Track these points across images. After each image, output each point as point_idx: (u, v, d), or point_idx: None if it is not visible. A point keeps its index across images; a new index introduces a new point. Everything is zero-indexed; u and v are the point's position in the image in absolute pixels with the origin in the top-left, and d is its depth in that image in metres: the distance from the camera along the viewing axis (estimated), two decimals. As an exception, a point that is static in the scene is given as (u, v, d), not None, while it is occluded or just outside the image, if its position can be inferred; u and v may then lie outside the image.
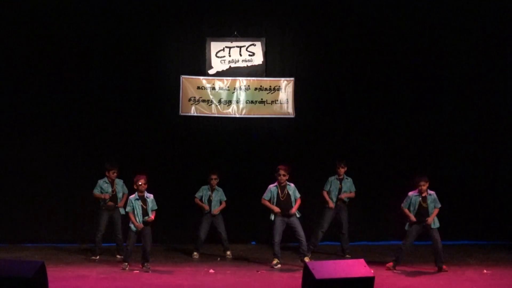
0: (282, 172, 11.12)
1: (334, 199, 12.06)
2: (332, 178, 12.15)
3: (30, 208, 13.21)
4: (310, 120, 13.58)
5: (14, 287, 8.00)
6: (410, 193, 10.73)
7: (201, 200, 12.08)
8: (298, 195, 11.25)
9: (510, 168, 13.63)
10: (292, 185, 11.28)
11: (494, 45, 13.61)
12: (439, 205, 10.68)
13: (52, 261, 10.98)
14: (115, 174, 11.90)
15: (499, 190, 13.59)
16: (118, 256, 11.63)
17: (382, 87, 13.58)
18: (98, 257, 11.69)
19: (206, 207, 11.97)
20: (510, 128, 13.62)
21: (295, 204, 11.15)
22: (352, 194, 12.19)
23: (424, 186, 10.52)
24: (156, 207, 10.88)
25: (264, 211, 13.17)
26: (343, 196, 12.06)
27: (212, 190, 12.06)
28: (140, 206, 10.72)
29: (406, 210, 10.69)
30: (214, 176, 12.05)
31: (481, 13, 13.55)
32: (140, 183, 10.71)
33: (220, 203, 12.08)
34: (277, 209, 11.07)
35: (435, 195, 10.67)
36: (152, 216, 10.77)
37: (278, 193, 11.15)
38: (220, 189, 12.14)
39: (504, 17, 13.55)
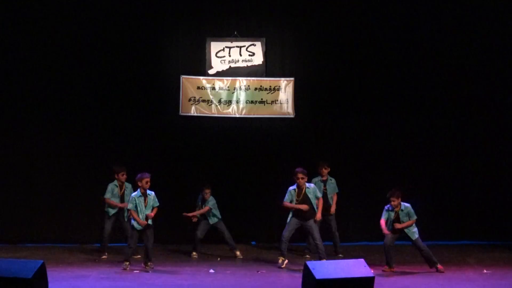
0: (300, 175, 10.89)
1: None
2: (315, 180, 11.98)
3: (30, 208, 13.21)
4: (310, 120, 13.58)
5: (14, 287, 8.00)
6: (386, 207, 10.72)
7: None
8: (319, 195, 11.10)
9: (510, 168, 13.63)
10: (311, 185, 11.10)
11: (494, 45, 13.60)
12: (415, 217, 10.60)
13: (52, 261, 10.98)
14: (124, 176, 11.90)
15: (499, 190, 13.59)
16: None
17: (382, 87, 13.58)
18: (106, 255, 11.77)
19: (196, 217, 12.01)
20: (510, 128, 13.62)
21: (317, 206, 10.98)
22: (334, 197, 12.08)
23: (394, 202, 10.54)
24: (158, 204, 10.89)
25: (264, 212, 13.23)
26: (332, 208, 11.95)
27: (204, 201, 11.98)
28: (142, 203, 10.73)
29: (382, 223, 10.68)
30: (207, 190, 11.95)
31: (481, 13, 13.55)
32: (146, 181, 10.74)
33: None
34: (304, 207, 10.83)
35: (409, 209, 10.61)
36: (152, 213, 10.78)
37: (296, 196, 10.93)
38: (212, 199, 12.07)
39: (504, 17, 13.55)
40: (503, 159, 13.66)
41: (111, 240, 12.04)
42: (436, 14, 13.53)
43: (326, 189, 12.01)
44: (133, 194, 10.87)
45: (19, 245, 12.94)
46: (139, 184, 10.77)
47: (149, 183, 10.78)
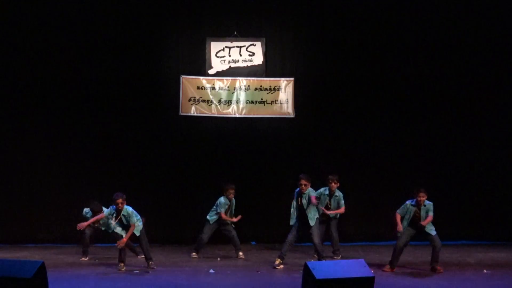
0: (303, 182, 10.78)
1: (321, 212, 11.54)
2: (322, 190, 11.74)
3: (30, 208, 13.23)
4: (310, 120, 13.59)
5: (14, 287, 8.00)
6: (408, 202, 10.67)
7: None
8: (313, 201, 10.94)
9: (510, 168, 13.64)
10: (311, 191, 10.90)
11: (494, 46, 13.62)
12: (432, 214, 10.57)
13: (52, 261, 11.00)
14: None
15: (499, 190, 13.60)
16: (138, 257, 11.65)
17: (382, 87, 13.60)
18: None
19: (233, 219, 11.80)
20: (510, 128, 13.63)
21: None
22: (341, 210, 11.65)
23: (423, 198, 10.52)
24: (133, 221, 10.68)
25: (264, 212, 13.24)
26: (330, 213, 11.57)
27: (230, 201, 11.86)
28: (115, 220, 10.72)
29: (398, 217, 10.63)
30: (232, 191, 11.79)
31: (481, 13, 13.56)
32: (118, 202, 10.59)
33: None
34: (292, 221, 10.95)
35: (431, 206, 10.59)
36: (125, 238, 10.61)
37: (298, 199, 10.90)
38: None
39: (505, 17, 13.57)
40: (503, 159, 13.67)
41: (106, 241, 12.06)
42: (437, 13, 13.54)
43: (330, 204, 11.71)
44: (107, 210, 10.80)
45: (19, 245, 12.95)
46: (114, 204, 10.68)
47: (121, 205, 10.58)
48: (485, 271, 10.66)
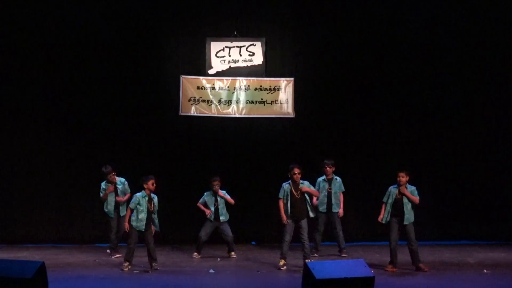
0: (297, 170, 10.78)
1: (325, 200, 11.86)
2: (320, 179, 11.93)
3: (30, 208, 13.23)
4: (310, 120, 13.59)
5: (14, 287, 8.00)
6: (390, 187, 10.68)
7: (205, 205, 11.91)
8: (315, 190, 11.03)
9: (510, 168, 13.63)
10: (306, 182, 10.94)
11: (494, 45, 13.61)
12: (417, 196, 10.55)
13: (52, 261, 11.00)
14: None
15: (499, 190, 13.59)
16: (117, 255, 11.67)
17: (382, 87, 13.59)
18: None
19: (208, 211, 11.84)
20: (510, 128, 13.62)
21: (310, 203, 10.89)
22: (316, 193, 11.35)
23: (402, 178, 10.49)
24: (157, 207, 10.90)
25: (264, 212, 13.22)
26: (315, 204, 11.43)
27: (215, 193, 11.87)
28: (146, 204, 10.70)
29: (383, 206, 10.69)
30: (216, 182, 11.82)
31: (481, 13, 13.56)
32: (152, 182, 10.67)
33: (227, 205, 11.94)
34: (284, 220, 10.82)
35: (415, 190, 10.57)
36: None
37: (292, 191, 10.84)
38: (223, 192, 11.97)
39: (505, 17, 13.57)
40: (503, 159, 13.66)
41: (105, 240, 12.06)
42: (437, 14, 13.54)
43: (331, 189, 11.89)
44: (138, 194, 10.79)
45: (19, 245, 12.95)
46: (145, 186, 10.70)
47: (154, 185, 10.73)
48: (485, 271, 10.66)
